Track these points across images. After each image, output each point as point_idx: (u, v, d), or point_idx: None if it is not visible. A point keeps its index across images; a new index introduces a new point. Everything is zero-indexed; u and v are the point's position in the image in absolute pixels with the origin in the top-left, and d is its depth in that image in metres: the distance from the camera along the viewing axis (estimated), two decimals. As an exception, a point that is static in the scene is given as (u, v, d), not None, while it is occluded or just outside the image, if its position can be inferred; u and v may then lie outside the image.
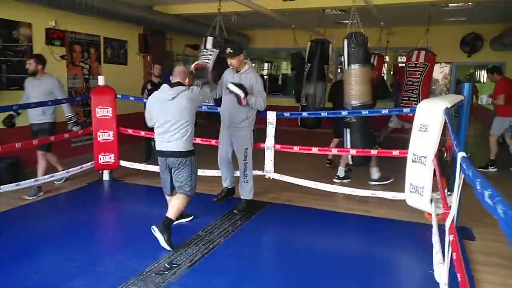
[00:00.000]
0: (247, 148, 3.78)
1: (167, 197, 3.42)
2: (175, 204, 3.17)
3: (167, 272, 2.70)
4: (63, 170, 4.63)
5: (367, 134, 4.22)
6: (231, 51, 3.60)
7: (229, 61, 3.65)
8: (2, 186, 3.74)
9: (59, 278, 2.62)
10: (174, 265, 2.82)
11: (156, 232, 3.01)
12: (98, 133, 4.74)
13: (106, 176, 4.92)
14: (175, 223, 3.16)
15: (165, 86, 3.16)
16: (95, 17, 6.07)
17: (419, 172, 2.80)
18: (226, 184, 4.10)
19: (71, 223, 3.64)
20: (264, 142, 4.10)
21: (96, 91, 4.86)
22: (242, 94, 3.49)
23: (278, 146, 4.02)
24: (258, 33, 10.42)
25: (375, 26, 7.27)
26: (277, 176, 4.05)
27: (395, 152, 3.72)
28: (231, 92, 3.55)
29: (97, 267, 2.77)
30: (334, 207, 4.04)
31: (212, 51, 4.98)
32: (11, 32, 5.19)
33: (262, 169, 4.16)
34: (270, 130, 4.01)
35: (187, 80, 3.20)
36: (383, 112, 4.16)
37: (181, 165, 3.16)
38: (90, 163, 4.84)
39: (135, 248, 3.11)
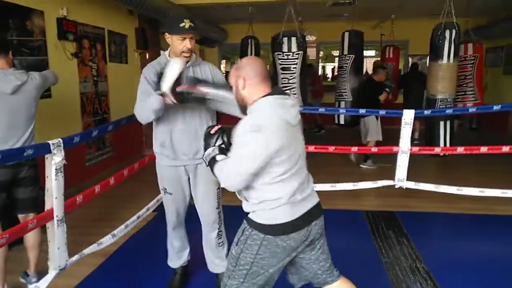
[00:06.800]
0: (218, 188, 2.40)
1: None
2: None
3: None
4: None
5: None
6: (192, 25, 2.09)
7: (187, 42, 2.11)
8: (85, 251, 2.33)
9: None
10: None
11: None
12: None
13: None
14: None
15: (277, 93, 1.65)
16: (100, 4, 4.87)
17: None
18: (182, 260, 2.59)
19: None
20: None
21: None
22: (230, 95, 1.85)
23: (416, 149, 3.64)
24: (233, 26, 9.71)
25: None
26: (411, 185, 3.66)
27: None
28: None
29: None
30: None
31: (298, 54, 4.30)
32: (24, 23, 3.88)
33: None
34: (407, 131, 3.58)
35: None
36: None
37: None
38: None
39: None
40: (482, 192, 3.59)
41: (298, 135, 1.67)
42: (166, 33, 2.16)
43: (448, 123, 3.96)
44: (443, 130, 3.92)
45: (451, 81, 4.19)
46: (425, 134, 4.46)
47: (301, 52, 4.25)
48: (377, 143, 5.36)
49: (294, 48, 4.29)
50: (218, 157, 1.65)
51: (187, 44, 2.11)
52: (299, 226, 1.62)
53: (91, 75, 5.10)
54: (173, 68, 1.93)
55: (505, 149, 3.61)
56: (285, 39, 4.29)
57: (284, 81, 4.30)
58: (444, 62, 3.99)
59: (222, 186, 1.65)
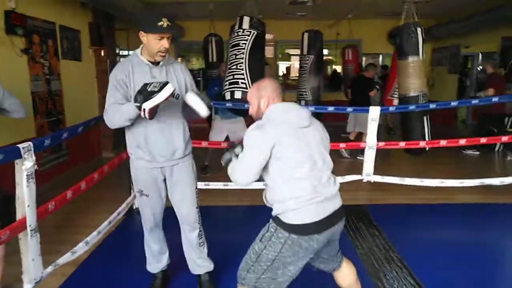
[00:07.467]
0: (196, 188, 2.38)
1: None
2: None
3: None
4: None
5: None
6: (170, 24, 2.01)
7: (164, 42, 2.03)
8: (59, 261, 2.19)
9: None
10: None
11: None
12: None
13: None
14: None
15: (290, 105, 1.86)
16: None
17: None
18: (162, 264, 2.48)
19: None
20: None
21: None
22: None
23: (382, 144, 3.77)
24: (190, 24, 9.49)
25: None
26: (378, 179, 3.80)
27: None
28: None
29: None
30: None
31: (249, 31, 4.17)
32: (-31, 15, 3.54)
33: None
34: (374, 127, 3.71)
35: None
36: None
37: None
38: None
39: None
40: (442, 182, 3.82)
41: (309, 136, 1.74)
42: (141, 32, 2.06)
43: (428, 117, 4.12)
44: (427, 125, 4.07)
45: (423, 77, 4.28)
46: (404, 129, 4.49)
47: (254, 32, 4.09)
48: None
49: (245, 25, 4.08)
50: (233, 160, 1.83)
51: (165, 43, 2.05)
52: (322, 228, 1.67)
53: (42, 73, 4.76)
54: (164, 93, 1.88)
55: (462, 141, 3.87)
56: (238, 19, 4.15)
57: (232, 57, 4.05)
58: (420, 58, 4.05)
59: (233, 181, 1.78)
